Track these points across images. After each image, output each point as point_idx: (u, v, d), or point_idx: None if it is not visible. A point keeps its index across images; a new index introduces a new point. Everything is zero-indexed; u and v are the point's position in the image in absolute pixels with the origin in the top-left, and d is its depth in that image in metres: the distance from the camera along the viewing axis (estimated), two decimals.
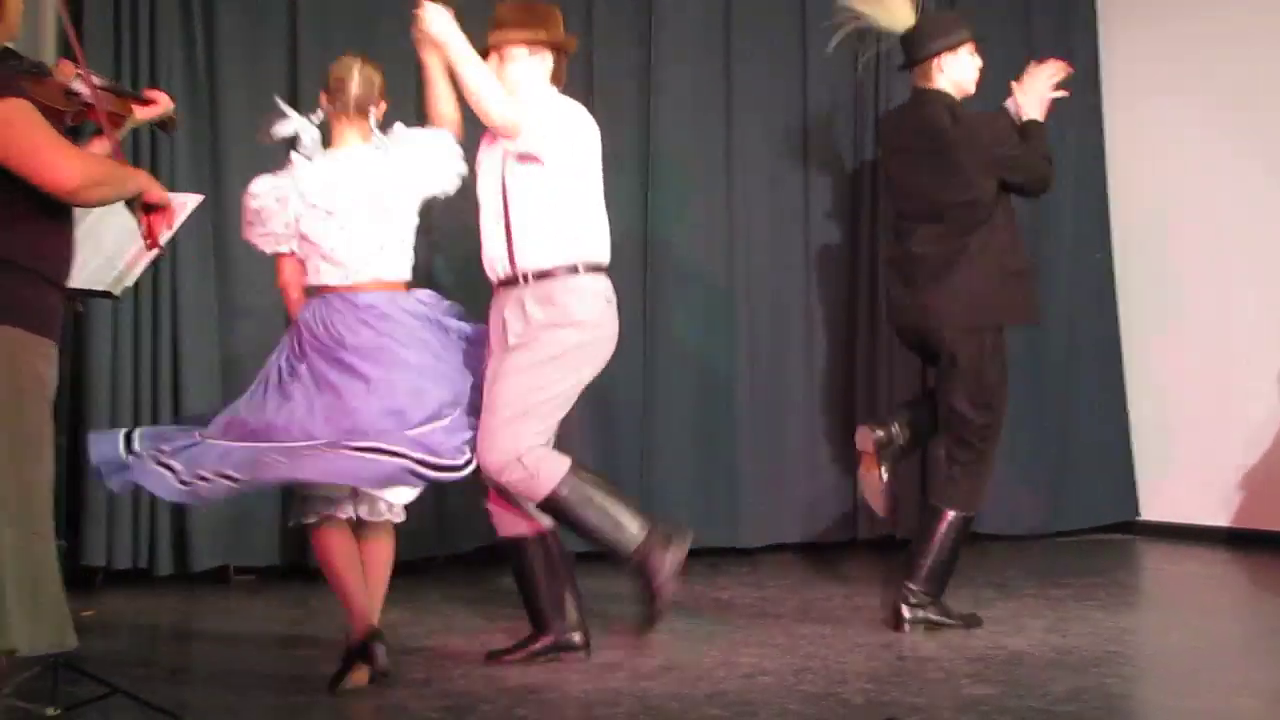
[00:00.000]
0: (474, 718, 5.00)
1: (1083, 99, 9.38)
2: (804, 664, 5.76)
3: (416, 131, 5.77)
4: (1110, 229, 9.44)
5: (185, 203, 5.28)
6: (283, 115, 5.75)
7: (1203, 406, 8.96)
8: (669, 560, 5.51)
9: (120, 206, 4.83)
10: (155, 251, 5.10)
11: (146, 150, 7.61)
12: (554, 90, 5.88)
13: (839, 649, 6.04)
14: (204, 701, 5.20)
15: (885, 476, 6.49)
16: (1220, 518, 8.88)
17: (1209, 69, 8.95)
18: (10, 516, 3.93)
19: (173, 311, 7.70)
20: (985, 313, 6.37)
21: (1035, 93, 6.49)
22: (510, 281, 5.70)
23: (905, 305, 6.56)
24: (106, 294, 5.17)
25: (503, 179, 5.72)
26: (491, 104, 5.52)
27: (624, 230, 8.34)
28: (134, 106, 4.75)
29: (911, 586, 6.34)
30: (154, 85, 7.46)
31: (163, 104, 4.90)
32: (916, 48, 6.52)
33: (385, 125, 5.71)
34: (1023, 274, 6.51)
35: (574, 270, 5.67)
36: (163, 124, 5.08)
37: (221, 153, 7.85)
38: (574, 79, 8.12)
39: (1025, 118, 6.49)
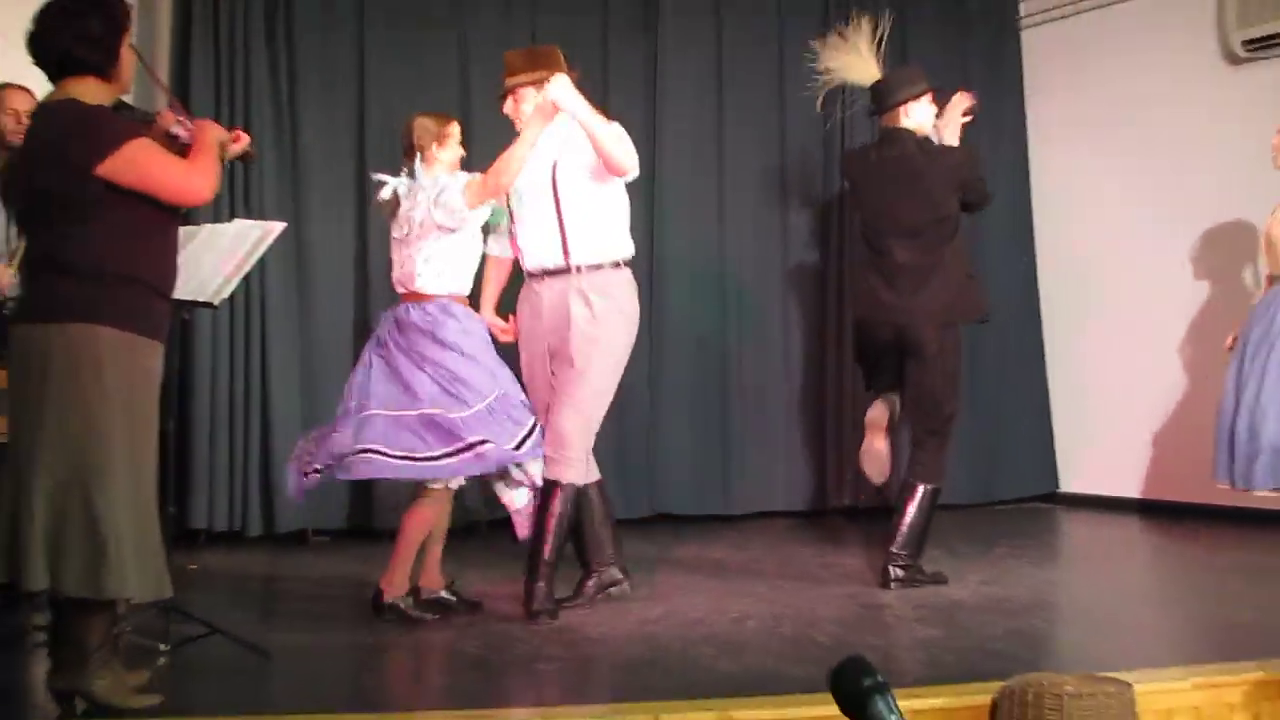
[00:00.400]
0: (509, 653, 5.01)
1: (1013, 145, 9.41)
2: (782, 611, 5.75)
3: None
4: (1034, 242, 9.43)
5: (274, 229, 5.30)
6: (382, 183, 5.81)
7: (1114, 395, 8.94)
8: (587, 590, 5.78)
9: (219, 234, 4.87)
10: (252, 261, 5.13)
11: (240, 185, 7.62)
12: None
13: (811, 599, 6.03)
14: (286, 641, 5.19)
15: (888, 447, 6.49)
16: (1127, 490, 8.87)
17: (1113, 118, 8.95)
18: (124, 489, 3.94)
19: (261, 318, 7.70)
20: (954, 311, 6.34)
21: (952, 123, 6.47)
22: (560, 271, 5.70)
23: (891, 306, 6.42)
24: (208, 304, 5.17)
25: (554, 184, 5.70)
26: (625, 156, 5.63)
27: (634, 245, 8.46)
28: (224, 145, 4.75)
29: (895, 551, 6.28)
30: (247, 127, 7.54)
31: (243, 141, 4.90)
32: (886, 96, 6.49)
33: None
34: (975, 278, 6.51)
35: (617, 265, 5.72)
36: (244, 157, 5.07)
37: (301, 188, 7.86)
38: None
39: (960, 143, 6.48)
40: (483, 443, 5.37)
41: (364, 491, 7.85)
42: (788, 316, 8.88)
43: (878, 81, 6.55)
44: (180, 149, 4.25)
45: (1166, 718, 4.31)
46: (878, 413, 6.54)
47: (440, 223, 5.60)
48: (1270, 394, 6.30)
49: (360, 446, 5.38)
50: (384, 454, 5.37)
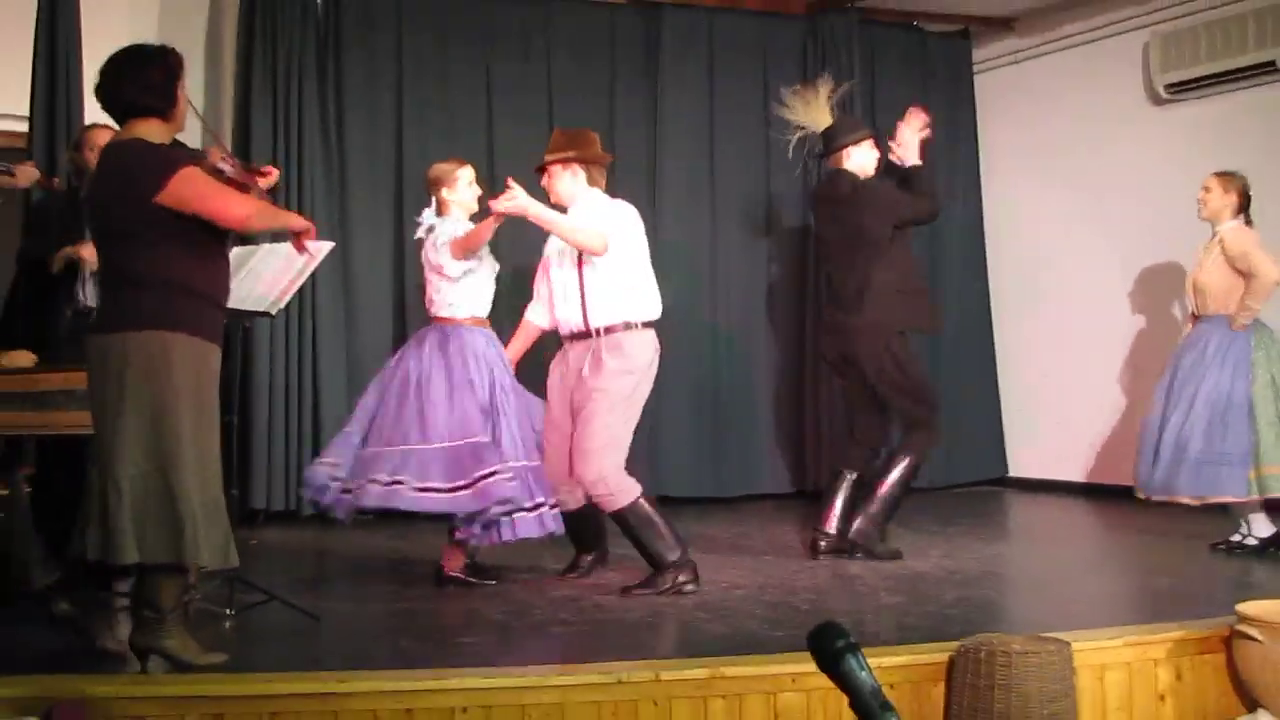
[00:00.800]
0: (529, 618, 5.02)
1: (967, 176, 9.42)
2: (766, 581, 5.75)
3: None
4: (986, 261, 9.44)
5: (323, 248, 5.30)
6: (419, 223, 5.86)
7: (1055, 393, 8.96)
8: (681, 578, 5.49)
9: (276, 256, 4.87)
10: (304, 277, 5.13)
11: (295, 211, 7.60)
12: (597, 192, 5.75)
13: (792, 570, 6.04)
14: (335, 607, 5.21)
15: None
16: (1066, 474, 8.88)
17: (1055, 151, 8.97)
18: (194, 472, 4.00)
19: (313, 327, 7.71)
20: (889, 326, 6.29)
21: (909, 143, 6.45)
22: (582, 335, 5.62)
23: (837, 327, 6.44)
24: (266, 314, 5.17)
25: (578, 254, 5.60)
26: (588, 241, 5.50)
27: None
28: (257, 178, 4.77)
29: (857, 525, 6.27)
30: (300, 167, 7.58)
31: (273, 175, 4.91)
32: (830, 141, 6.54)
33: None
34: (918, 292, 6.43)
35: (631, 326, 5.57)
36: (273, 190, 5.10)
37: (347, 213, 7.87)
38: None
39: (909, 164, 6.45)
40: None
41: None
42: (772, 324, 8.89)
43: (826, 129, 6.58)
44: (226, 182, 4.29)
45: (1101, 672, 4.31)
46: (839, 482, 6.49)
47: (433, 263, 5.61)
48: (1199, 413, 6.29)
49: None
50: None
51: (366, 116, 7.93)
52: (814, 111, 6.65)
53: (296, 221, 4.40)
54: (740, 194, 8.81)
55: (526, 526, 5.49)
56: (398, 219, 7.91)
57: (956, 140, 9.31)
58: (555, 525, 5.58)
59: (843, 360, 6.48)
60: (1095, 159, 8.65)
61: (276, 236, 7.07)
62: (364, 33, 7.95)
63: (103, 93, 4.13)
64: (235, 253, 5.21)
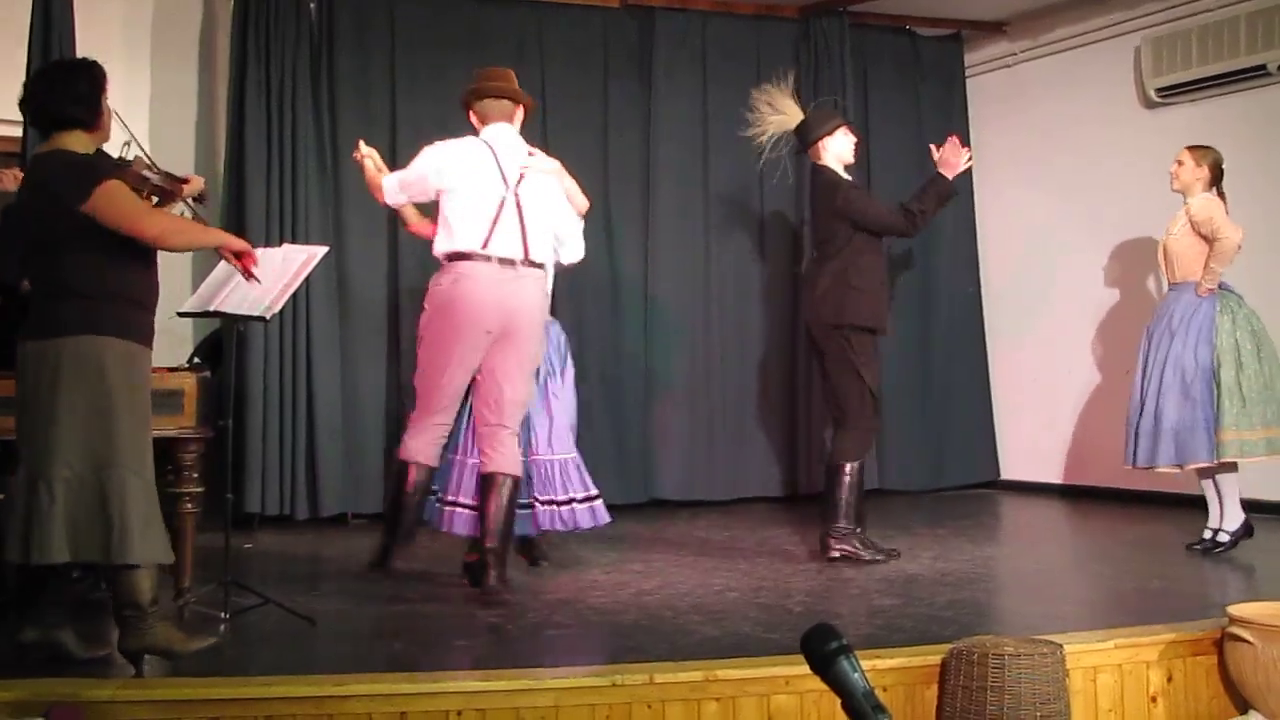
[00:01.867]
0: (524, 620, 5.02)
1: (960, 179, 9.33)
2: (760, 584, 5.76)
3: None
4: (979, 268, 9.45)
5: (317, 252, 5.30)
6: None
7: (1049, 395, 8.98)
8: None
9: (270, 261, 4.87)
10: (298, 282, 5.13)
11: (289, 214, 7.64)
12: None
13: (785, 573, 6.04)
14: (329, 610, 5.20)
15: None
16: (1061, 477, 8.90)
17: (1047, 154, 9.00)
18: (134, 470, 4.08)
19: (307, 332, 7.70)
20: (835, 316, 6.33)
21: (952, 164, 6.50)
22: None
23: (805, 309, 6.73)
24: (260, 318, 5.16)
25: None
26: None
27: (631, 269, 8.48)
28: (181, 186, 4.79)
29: (835, 525, 6.30)
30: (295, 171, 7.58)
31: (195, 183, 4.94)
32: (805, 136, 6.58)
33: None
34: (864, 290, 6.37)
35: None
36: (199, 197, 5.14)
37: (341, 217, 7.88)
38: (592, 159, 8.26)
39: (937, 174, 6.51)
40: None
41: None
42: (765, 327, 8.89)
43: (799, 125, 6.62)
44: (153, 189, 4.44)
45: (1093, 674, 4.33)
46: None
47: None
48: (1169, 382, 6.36)
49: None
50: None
51: (360, 121, 7.92)
52: (782, 111, 6.69)
53: (232, 242, 4.43)
54: (733, 197, 8.82)
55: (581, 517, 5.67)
56: (391, 223, 7.89)
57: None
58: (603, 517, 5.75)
59: (811, 345, 6.65)
60: (1087, 162, 8.68)
61: (271, 239, 7.15)
62: (357, 37, 7.96)
63: (29, 105, 4.22)
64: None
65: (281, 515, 7.61)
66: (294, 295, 5.60)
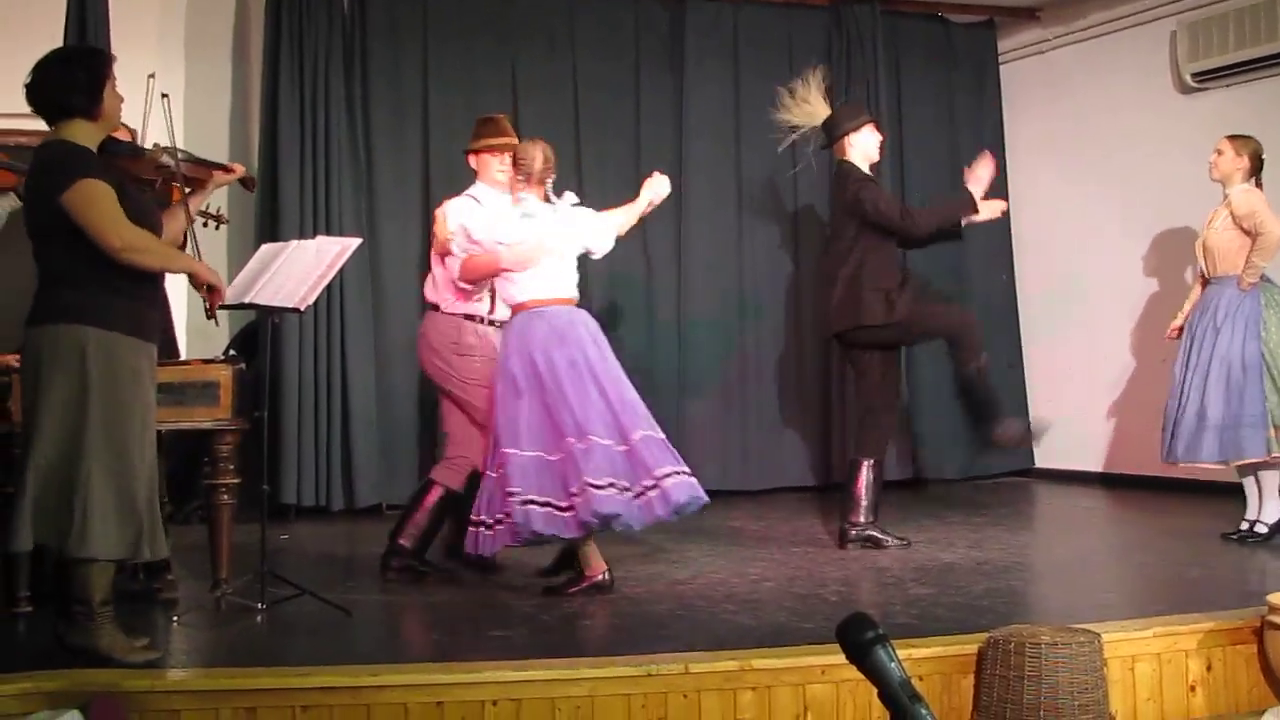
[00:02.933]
0: (559, 609, 5.03)
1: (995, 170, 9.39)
2: (795, 573, 5.75)
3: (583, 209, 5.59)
4: (1013, 257, 9.40)
5: (350, 244, 5.30)
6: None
7: (1083, 383, 8.92)
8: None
9: (304, 253, 4.87)
10: (332, 274, 5.13)
11: (322, 207, 7.66)
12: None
13: (820, 562, 6.03)
14: (366, 601, 5.23)
15: None
16: (1096, 465, 8.85)
17: (1081, 140, 8.93)
18: (102, 462, 4.03)
19: (341, 321, 7.74)
20: (852, 319, 6.32)
21: (978, 180, 6.45)
22: None
23: (823, 310, 6.66)
24: (294, 310, 5.17)
25: None
26: None
27: (663, 259, 8.47)
28: (215, 173, 4.76)
29: (853, 519, 6.33)
30: (328, 163, 7.59)
31: (239, 170, 4.93)
32: (831, 132, 6.55)
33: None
34: (878, 291, 6.32)
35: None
36: (244, 183, 5.13)
37: (374, 209, 7.90)
38: (623, 150, 8.25)
39: (969, 188, 6.46)
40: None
41: (431, 469, 7.88)
42: (799, 317, 8.86)
43: (825, 120, 6.59)
44: (171, 176, 4.38)
45: (1131, 663, 4.31)
46: None
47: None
48: (1215, 378, 6.30)
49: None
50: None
51: (393, 113, 7.95)
52: (810, 106, 6.66)
53: (203, 274, 4.32)
54: (766, 187, 8.79)
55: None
56: (424, 214, 7.92)
57: (981, 131, 9.27)
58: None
59: (837, 342, 6.63)
60: (1122, 149, 8.61)
61: (305, 232, 7.18)
62: (390, 29, 7.98)
63: (30, 96, 4.17)
64: (263, 250, 5.24)
65: (317, 506, 7.65)
66: (328, 287, 5.63)
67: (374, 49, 7.93)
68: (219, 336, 7.15)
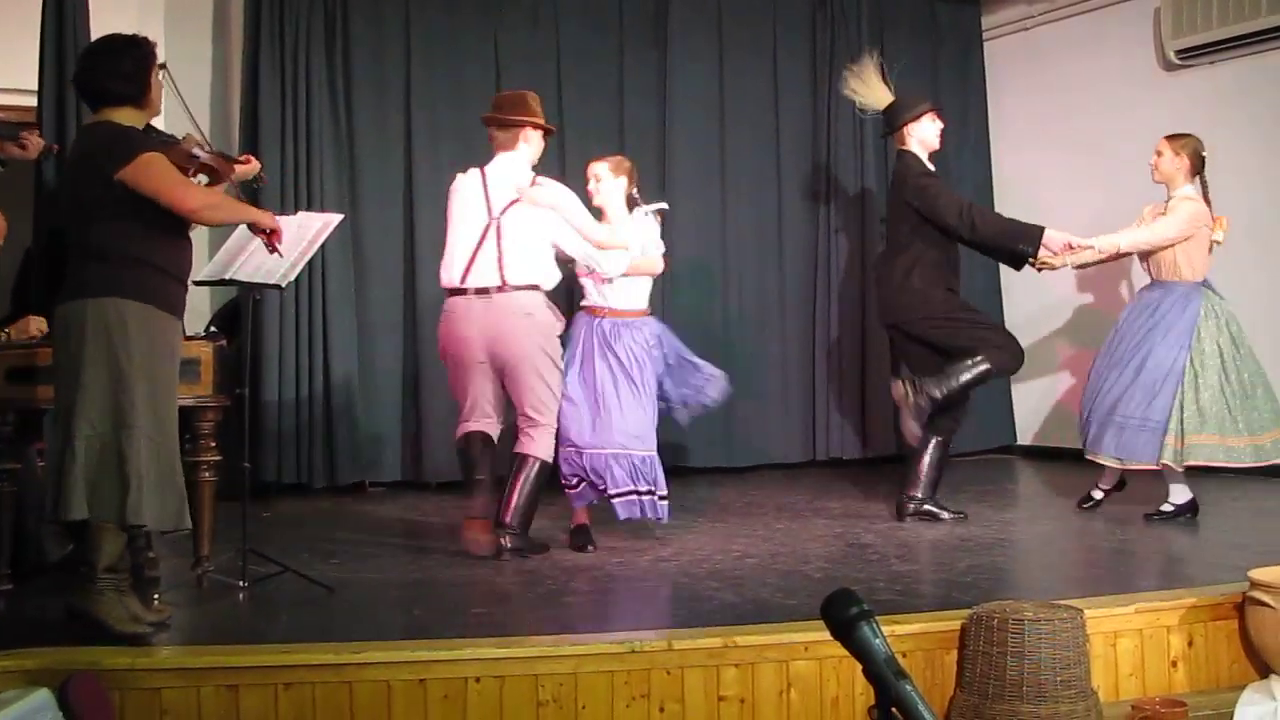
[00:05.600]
0: (541, 588, 5.03)
1: (977, 142, 9.39)
2: (778, 549, 5.75)
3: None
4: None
5: (332, 220, 5.29)
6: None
7: (1065, 359, 8.94)
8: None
9: (286, 229, 4.86)
10: (313, 250, 5.16)
11: (304, 182, 7.61)
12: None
13: (803, 539, 6.04)
14: (349, 579, 5.21)
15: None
16: (1077, 442, 8.82)
17: (1065, 117, 8.93)
18: (147, 434, 4.12)
19: (323, 298, 7.68)
20: (903, 310, 6.35)
21: (1068, 246, 6.47)
22: None
23: (879, 300, 6.71)
24: (275, 286, 5.16)
25: None
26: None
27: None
28: (235, 166, 4.80)
29: (910, 493, 6.38)
30: (309, 139, 7.54)
31: (253, 164, 5.00)
32: (891, 121, 6.53)
33: None
34: (929, 287, 6.39)
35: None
36: (256, 179, 5.19)
37: (356, 185, 7.85)
38: (607, 125, 8.22)
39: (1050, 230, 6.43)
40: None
41: (414, 447, 7.87)
42: (783, 297, 8.86)
43: (887, 108, 6.58)
44: (199, 167, 4.50)
45: (1113, 639, 4.32)
46: (897, 392, 6.61)
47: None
48: (1135, 378, 6.29)
49: None
50: None
51: (375, 88, 7.90)
52: (873, 90, 6.65)
53: (263, 218, 4.56)
54: (750, 163, 8.77)
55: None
56: (407, 190, 7.90)
57: (966, 108, 9.28)
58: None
59: (890, 328, 6.62)
60: (1106, 126, 8.60)
61: (287, 207, 7.13)
62: (372, 4, 7.90)
63: (79, 82, 4.38)
64: (242, 228, 5.21)
65: (299, 484, 7.62)
66: (310, 263, 5.61)
67: (355, 22, 7.85)
68: (200, 313, 7.12)
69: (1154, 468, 6.29)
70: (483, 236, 5.63)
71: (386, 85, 7.92)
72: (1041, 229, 6.33)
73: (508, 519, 5.54)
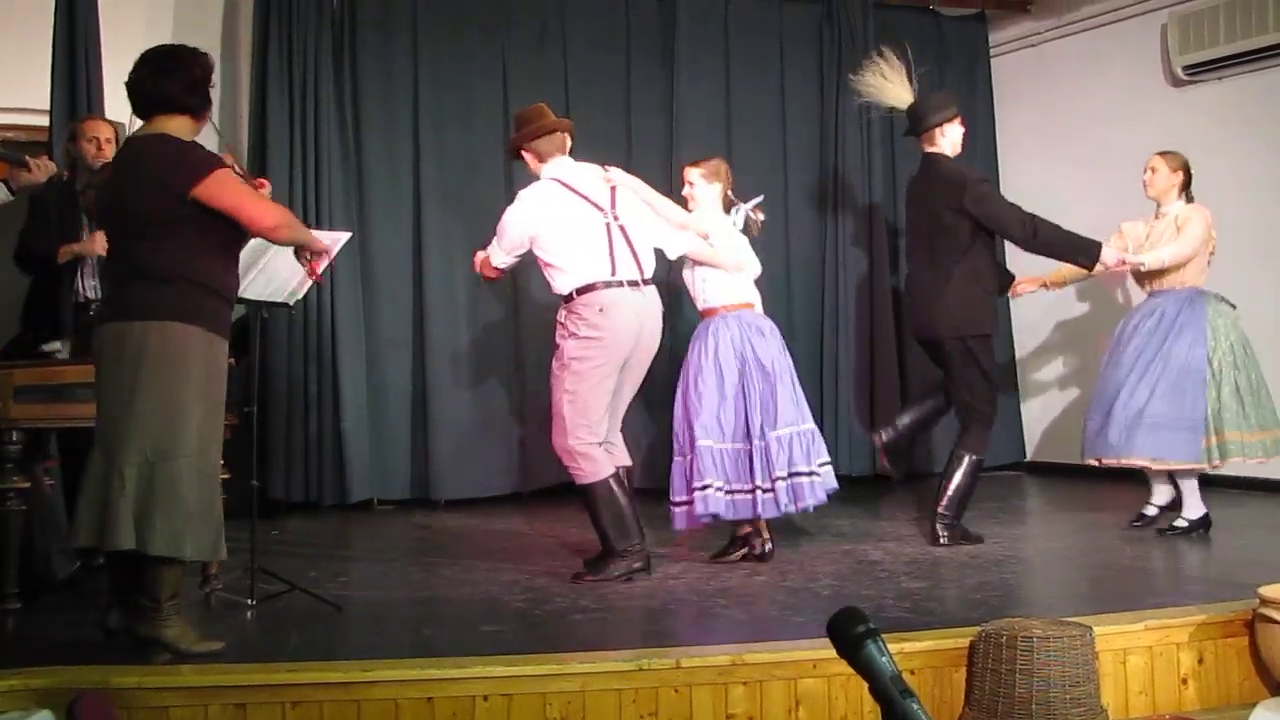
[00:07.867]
0: (549, 605, 5.02)
1: (985, 158, 9.38)
2: (787, 567, 5.74)
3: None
4: (1004, 250, 9.36)
5: (340, 237, 5.30)
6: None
7: (1074, 376, 8.93)
8: (617, 568, 5.46)
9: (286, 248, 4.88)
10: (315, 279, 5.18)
11: (312, 200, 7.63)
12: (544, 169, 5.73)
13: (812, 555, 6.03)
14: (357, 597, 5.22)
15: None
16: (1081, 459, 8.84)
17: (1072, 132, 8.93)
18: (193, 462, 4.04)
19: (332, 318, 7.70)
20: (960, 325, 6.19)
21: (1122, 257, 6.46)
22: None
23: (912, 317, 6.56)
24: (284, 304, 5.17)
25: None
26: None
27: (657, 254, 8.44)
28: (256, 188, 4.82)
29: (941, 511, 6.25)
30: (318, 156, 7.57)
31: (267, 188, 4.99)
32: (922, 120, 6.38)
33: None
34: (986, 296, 6.33)
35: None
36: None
37: (364, 203, 7.88)
38: (615, 140, 8.23)
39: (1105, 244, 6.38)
40: None
41: (422, 464, 7.87)
42: (791, 310, 8.84)
43: (911, 106, 6.49)
44: None
45: (1123, 656, 4.31)
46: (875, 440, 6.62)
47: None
48: (1161, 381, 6.29)
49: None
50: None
51: (383, 105, 7.93)
52: (895, 88, 6.57)
53: (319, 243, 4.53)
54: (757, 178, 8.75)
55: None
56: (415, 207, 7.92)
57: (973, 124, 9.17)
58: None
59: (924, 344, 6.50)
60: (1113, 142, 8.60)
61: None
62: (380, 22, 7.95)
63: (139, 87, 4.16)
64: (251, 245, 5.22)
65: (308, 501, 7.63)
66: (317, 282, 5.61)
67: (364, 42, 7.89)
68: None
69: (1193, 466, 6.29)
70: (608, 235, 5.53)
71: (394, 103, 7.95)
72: (1099, 245, 6.27)
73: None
